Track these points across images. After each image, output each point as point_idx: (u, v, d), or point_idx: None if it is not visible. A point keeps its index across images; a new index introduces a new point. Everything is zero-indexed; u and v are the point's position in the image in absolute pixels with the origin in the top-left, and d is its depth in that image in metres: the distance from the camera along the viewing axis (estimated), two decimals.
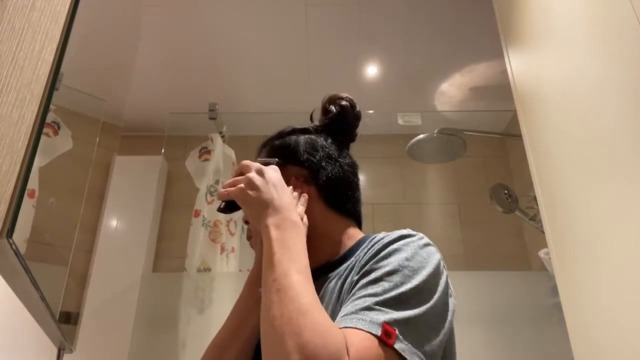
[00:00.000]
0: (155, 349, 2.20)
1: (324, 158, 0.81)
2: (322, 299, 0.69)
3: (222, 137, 2.26)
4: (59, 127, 1.34)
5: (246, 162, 0.74)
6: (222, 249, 2.08)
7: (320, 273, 0.74)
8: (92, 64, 1.60)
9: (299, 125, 0.87)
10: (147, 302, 2.31)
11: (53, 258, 1.44)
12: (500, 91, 2.27)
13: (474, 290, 2.22)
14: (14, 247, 0.64)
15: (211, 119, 2.24)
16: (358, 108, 0.88)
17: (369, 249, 0.68)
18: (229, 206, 0.74)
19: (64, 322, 1.73)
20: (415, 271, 0.61)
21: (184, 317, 1.97)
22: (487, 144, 2.78)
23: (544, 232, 1.27)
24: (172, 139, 2.67)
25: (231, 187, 0.72)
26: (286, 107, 2.69)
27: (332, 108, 0.86)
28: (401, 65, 2.49)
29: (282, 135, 0.86)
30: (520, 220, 2.27)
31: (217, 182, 2.16)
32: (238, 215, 2.28)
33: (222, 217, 2.11)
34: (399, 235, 0.68)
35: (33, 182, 1.06)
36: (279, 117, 2.70)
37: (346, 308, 0.59)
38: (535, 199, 1.36)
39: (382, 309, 0.56)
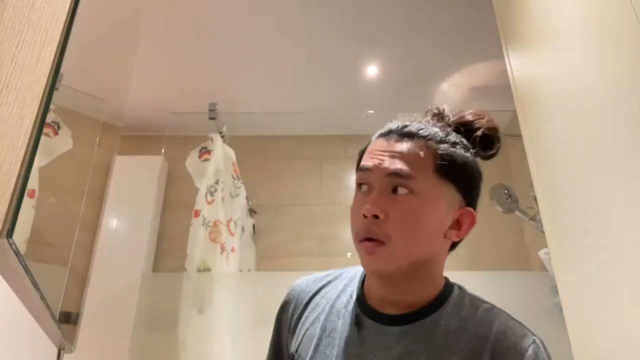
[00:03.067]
0: (155, 349, 2.20)
1: (479, 193, 0.73)
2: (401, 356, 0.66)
3: (222, 137, 2.25)
4: (59, 127, 1.34)
5: None
6: (222, 249, 2.07)
7: (406, 320, 0.68)
8: (92, 64, 1.60)
9: (460, 138, 0.73)
10: (147, 302, 2.31)
11: (53, 258, 1.44)
12: (500, 91, 2.27)
13: (474, 290, 2.21)
14: (14, 247, 0.64)
15: (211, 119, 2.24)
16: None
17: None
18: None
19: (64, 322, 1.73)
20: None
21: (184, 317, 1.97)
22: None
23: (544, 232, 1.27)
24: (172, 139, 2.67)
25: None
26: (286, 107, 2.69)
27: (493, 138, 0.76)
28: (401, 65, 2.48)
29: (455, 143, 0.71)
30: (520, 220, 2.27)
31: (217, 182, 2.16)
32: (238, 215, 2.28)
33: (222, 217, 2.11)
34: (534, 352, 0.63)
35: (33, 182, 1.06)
36: (279, 117, 2.72)
37: None
38: (535, 199, 1.36)
39: None
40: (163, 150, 2.65)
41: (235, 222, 2.22)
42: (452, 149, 0.69)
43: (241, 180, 2.33)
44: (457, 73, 2.50)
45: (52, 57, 0.73)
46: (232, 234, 2.18)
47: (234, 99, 2.67)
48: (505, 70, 1.49)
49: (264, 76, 2.54)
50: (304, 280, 0.81)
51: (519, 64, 1.42)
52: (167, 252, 2.56)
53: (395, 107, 2.65)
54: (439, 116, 0.77)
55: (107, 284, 2.25)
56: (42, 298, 0.93)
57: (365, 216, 0.66)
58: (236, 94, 2.67)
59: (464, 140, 0.73)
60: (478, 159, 0.74)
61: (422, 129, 0.70)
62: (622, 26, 0.89)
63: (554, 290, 1.21)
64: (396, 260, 0.66)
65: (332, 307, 0.74)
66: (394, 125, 0.72)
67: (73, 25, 0.79)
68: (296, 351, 0.73)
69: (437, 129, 0.71)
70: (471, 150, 0.72)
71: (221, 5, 2.11)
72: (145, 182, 2.57)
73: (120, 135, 2.44)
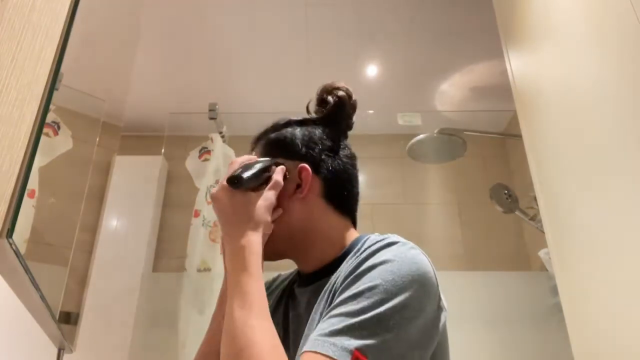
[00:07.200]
0: (155, 349, 2.20)
1: (323, 151, 0.77)
2: (312, 308, 0.67)
3: (222, 137, 2.26)
4: (59, 127, 1.34)
5: (245, 158, 0.74)
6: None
7: (318, 276, 0.72)
8: (92, 64, 1.60)
9: (294, 116, 0.83)
10: (147, 302, 2.31)
11: (53, 258, 1.44)
12: (500, 91, 2.27)
13: (474, 290, 2.22)
14: (14, 247, 0.64)
15: (211, 119, 2.24)
16: (354, 97, 0.84)
17: (358, 255, 0.65)
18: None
19: (64, 322, 1.73)
20: (399, 288, 0.58)
21: (184, 317, 1.97)
22: (487, 144, 2.78)
23: (544, 232, 1.27)
24: (172, 139, 2.68)
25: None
26: (286, 107, 2.69)
27: (329, 99, 0.82)
28: (401, 65, 2.49)
29: (276, 127, 0.81)
30: (520, 220, 2.27)
31: (217, 182, 2.16)
32: None
33: None
34: (386, 242, 0.65)
35: (33, 182, 1.06)
36: (279, 117, 2.72)
37: (321, 325, 0.58)
38: (535, 199, 1.36)
39: (356, 332, 0.55)
40: (163, 150, 2.65)
41: None
42: (271, 134, 0.80)
43: None
44: (457, 73, 2.50)
45: (52, 57, 0.73)
46: None
47: (234, 99, 2.67)
48: (505, 70, 1.49)
49: (264, 76, 2.54)
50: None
51: (519, 64, 1.42)
52: (167, 252, 2.56)
53: (395, 107, 2.65)
54: (307, 107, 0.86)
55: (107, 284, 2.25)
56: (42, 298, 0.93)
57: None
58: (236, 94, 2.67)
59: (296, 118, 0.82)
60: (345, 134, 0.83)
61: (263, 130, 0.82)
62: (622, 26, 0.89)
63: (554, 290, 1.21)
64: (269, 245, 0.71)
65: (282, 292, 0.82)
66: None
67: (73, 25, 0.79)
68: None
69: (275, 122, 0.82)
70: (306, 120, 0.81)
71: (221, 6, 2.11)
72: (145, 182, 2.57)
73: (120, 135, 2.44)
